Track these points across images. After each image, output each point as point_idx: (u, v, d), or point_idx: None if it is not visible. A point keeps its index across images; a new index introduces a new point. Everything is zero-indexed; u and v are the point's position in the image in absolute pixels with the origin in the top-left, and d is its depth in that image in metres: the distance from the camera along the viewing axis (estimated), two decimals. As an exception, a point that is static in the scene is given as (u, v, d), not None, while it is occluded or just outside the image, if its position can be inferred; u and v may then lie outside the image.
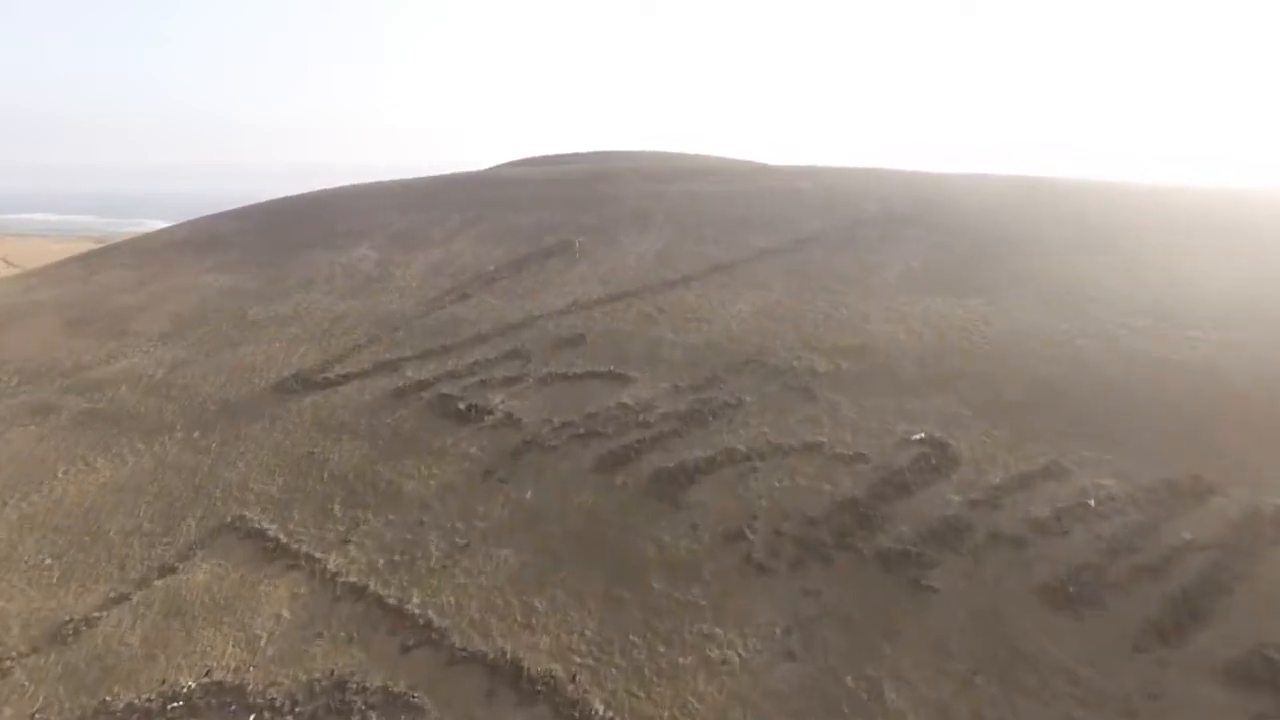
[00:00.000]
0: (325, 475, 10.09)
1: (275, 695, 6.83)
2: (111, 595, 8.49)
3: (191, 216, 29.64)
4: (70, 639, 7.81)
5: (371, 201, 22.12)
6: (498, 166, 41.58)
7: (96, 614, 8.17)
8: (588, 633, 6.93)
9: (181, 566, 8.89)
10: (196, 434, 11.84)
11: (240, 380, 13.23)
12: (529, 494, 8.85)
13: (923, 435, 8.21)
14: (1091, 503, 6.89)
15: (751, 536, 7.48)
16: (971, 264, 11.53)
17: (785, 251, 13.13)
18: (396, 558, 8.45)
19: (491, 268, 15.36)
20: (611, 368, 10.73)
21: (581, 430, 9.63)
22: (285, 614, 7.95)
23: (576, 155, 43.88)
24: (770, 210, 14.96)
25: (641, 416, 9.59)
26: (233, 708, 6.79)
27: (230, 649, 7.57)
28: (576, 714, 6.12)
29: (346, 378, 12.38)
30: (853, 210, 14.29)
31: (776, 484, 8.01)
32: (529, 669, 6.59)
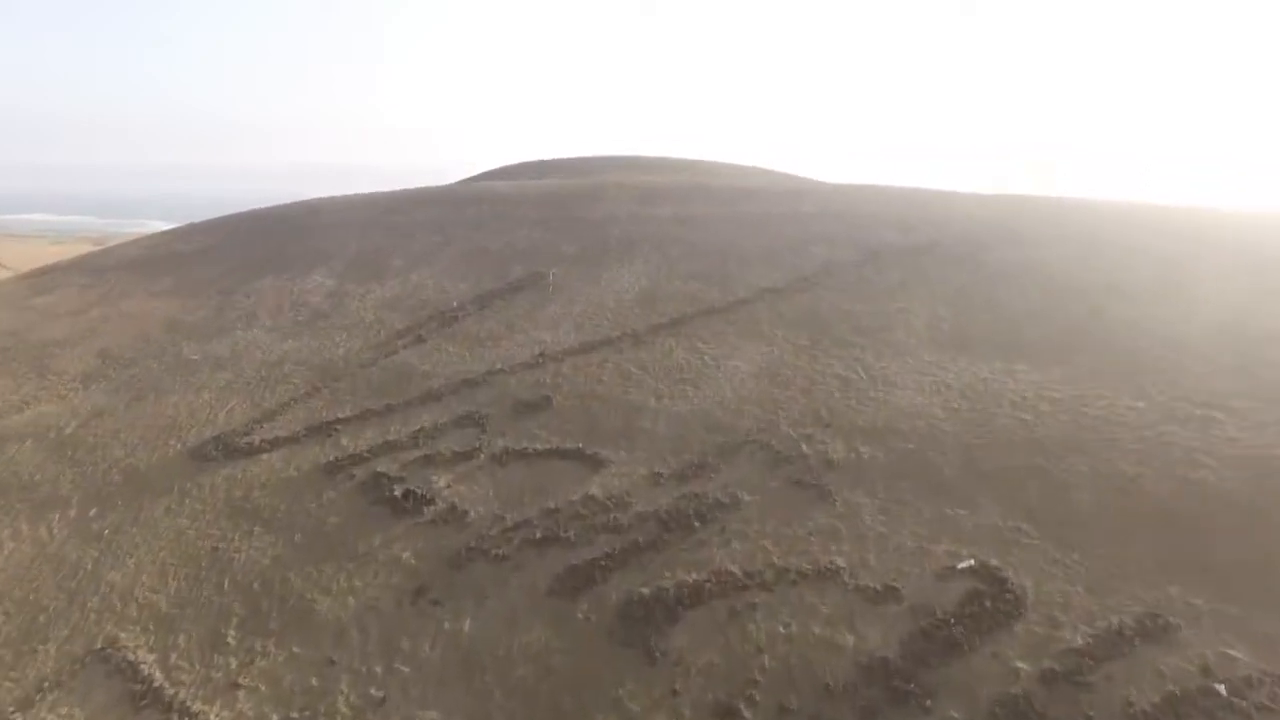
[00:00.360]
0: (227, 582, 8.20)
1: None
2: (-78, 764, 6.62)
3: (192, 216, 27.86)
4: None
5: (336, 218, 20.23)
6: (474, 178, 39.76)
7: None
8: None
9: (21, 718, 7.01)
10: (92, 512, 9.96)
11: (156, 441, 11.35)
12: (467, 625, 6.96)
13: (972, 563, 6.32)
14: (1221, 690, 4.99)
15: (749, 714, 5.60)
16: (1015, 313, 9.62)
17: (790, 291, 11.23)
18: (294, 715, 6.56)
19: (454, 304, 13.46)
20: (580, 445, 8.85)
21: (539, 533, 7.74)
22: (139, 801, 6.08)
23: (567, 161, 41.95)
24: (772, 239, 13.05)
25: (613, 516, 7.70)
26: None
27: None
28: None
29: (273, 444, 10.49)
30: (867, 240, 12.38)
31: (782, 629, 6.12)
32: None
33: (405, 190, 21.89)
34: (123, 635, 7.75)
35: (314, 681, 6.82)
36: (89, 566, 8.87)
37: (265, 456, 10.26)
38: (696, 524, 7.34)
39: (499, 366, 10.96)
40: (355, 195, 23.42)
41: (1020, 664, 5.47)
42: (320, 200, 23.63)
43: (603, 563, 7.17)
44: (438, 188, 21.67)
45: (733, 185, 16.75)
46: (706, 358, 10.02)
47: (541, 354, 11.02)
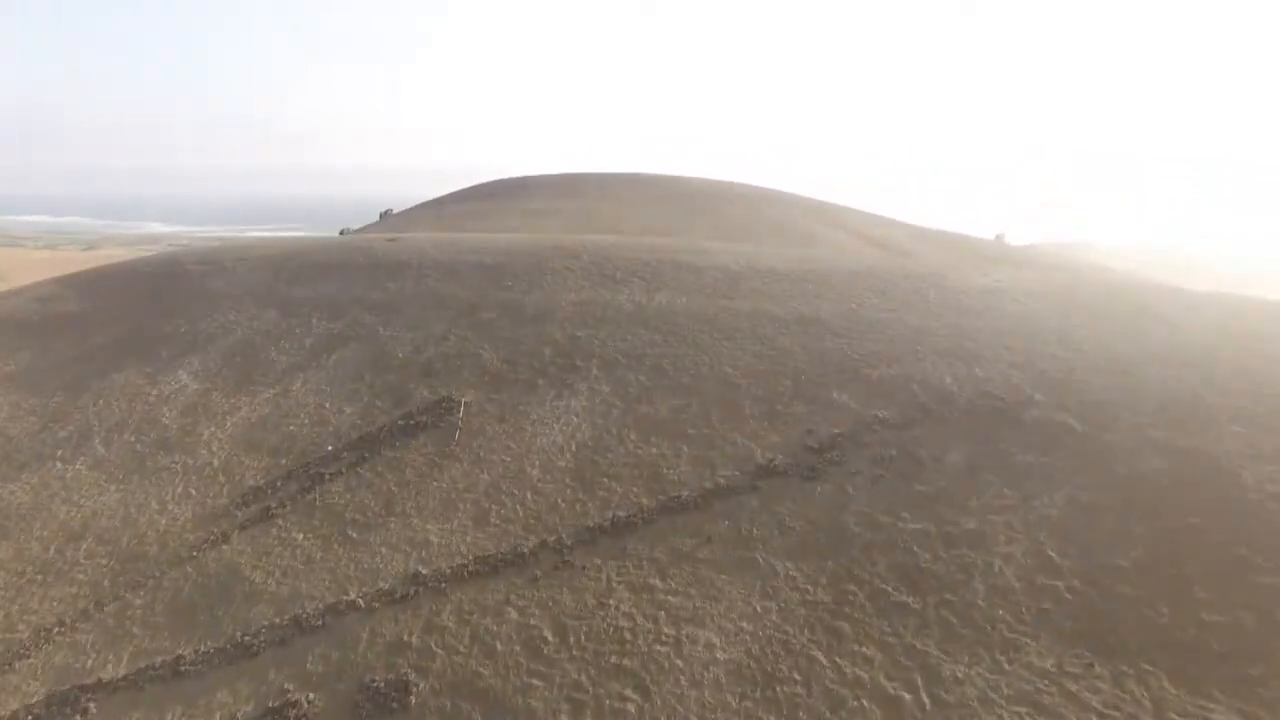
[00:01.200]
0: None
1: None
2: None
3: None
4: None
5: (236, 282, 16.43)
6: (461, 192, 35.93)
7: None
8: None
9: None
10: None
11: None
12: None
13: None
14: None
15: None
16: (1185, 561, 5.80)
17: (798, 476, 7.42)
18: None
19: (329, 447, 9.69)
20: (431, 828, 5.08)
21: None
22: None
23: (553, 178, 38.19)
24: (771, 367, 9.20)
25: None
26: None
27: None
28: None
29: (-10, 731, 6.75)
30: (912, 382, 8.51)
31: None
32: None
33: (325, 244, 18.06)
34: None
35: None
36: None
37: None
38: None
39: (353, 595, 7.18)
40: (274, 244, 19.65)
41: None
42: (236, 252, 19.81)
43: None
44: (363, 242, 17.77)
45: (716, 258, 12.88)
46: (662, 618, 6.22)
47: (416, 575, 7.23)
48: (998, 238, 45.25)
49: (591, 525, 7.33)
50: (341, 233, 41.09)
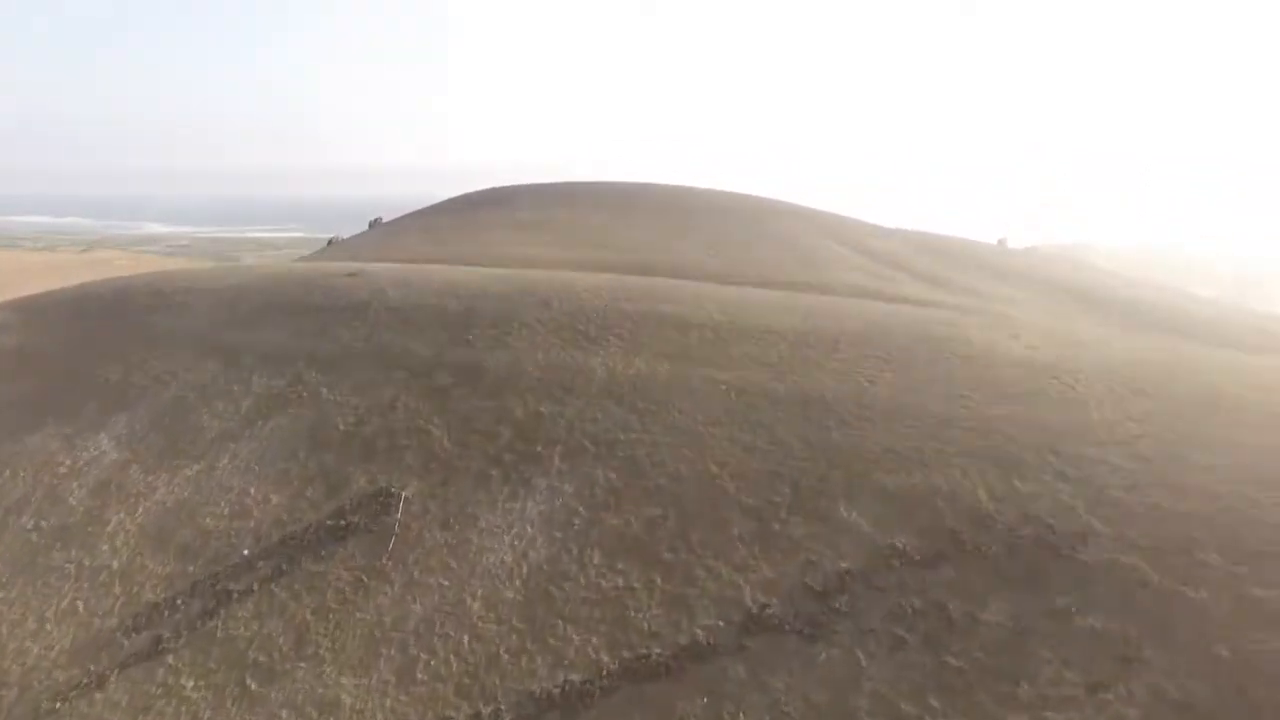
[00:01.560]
0: None
1: None
2: None
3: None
4: None
5: (182, 323, 14.92)
6: (448, 202, 34.47)
7: None
8: None
9: None
10: None
11: None
12: None
13: None
14: None
15: None
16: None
17: (793, 636, 5.89)
18: None
19: (245, 552, 8.21)
20: None
21: None
22: None
23: (546, 187, 36.64)
24: (762, 459, 7.66)
25: None
26: None
27: None
28: None
29: None
30: (936, 499, 6.98)
31: None
32: None
33: (282, 278, 16.49)
34: None
35: None
36: None
37: None
38: None
39: (234, 785, 5.71)
40: (231, 274, 18.16)
41: None
42: (189, 283, 18.29)
43: None
44: (323, 276, 16.18)
45: (702, 310, 11.29)
46: None
47: (319, 755, 5.77)
48: (1000, 242, 43.89)
49: (538, 692, 5.83)
50: (330, 242, 39.85)
